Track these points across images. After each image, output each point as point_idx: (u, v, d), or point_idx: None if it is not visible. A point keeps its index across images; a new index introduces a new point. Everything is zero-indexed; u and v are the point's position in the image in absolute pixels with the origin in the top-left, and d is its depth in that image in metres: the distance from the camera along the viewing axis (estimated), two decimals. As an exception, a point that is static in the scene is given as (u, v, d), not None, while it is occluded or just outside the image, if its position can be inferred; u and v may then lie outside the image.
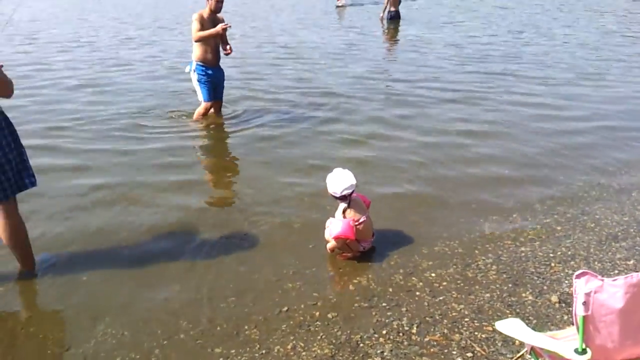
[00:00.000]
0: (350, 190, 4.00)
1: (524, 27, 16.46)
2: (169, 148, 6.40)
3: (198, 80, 7.03)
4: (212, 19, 6.81)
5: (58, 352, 3.16)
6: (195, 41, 6.81)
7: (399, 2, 17.64)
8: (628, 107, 8.19)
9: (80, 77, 10.07)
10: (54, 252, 4.15)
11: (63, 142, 6.57)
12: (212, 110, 7.36)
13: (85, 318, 3.44)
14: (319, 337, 3.25)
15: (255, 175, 5.73)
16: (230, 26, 6.80)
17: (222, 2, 6.80)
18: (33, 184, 3.69)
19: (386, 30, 16.35)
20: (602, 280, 2.42)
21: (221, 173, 6.06)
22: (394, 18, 17.48)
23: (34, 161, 3.88)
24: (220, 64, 7.17)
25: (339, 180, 4.00)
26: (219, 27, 6.68)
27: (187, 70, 7.20)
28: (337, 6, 21.84)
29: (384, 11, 17.70)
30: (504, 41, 13.88)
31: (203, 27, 6.69)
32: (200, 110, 7.29)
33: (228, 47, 7.08)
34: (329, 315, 3.45)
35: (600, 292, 2.42)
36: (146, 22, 17.99)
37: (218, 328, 3.34)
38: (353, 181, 4.00)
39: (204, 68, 6.96)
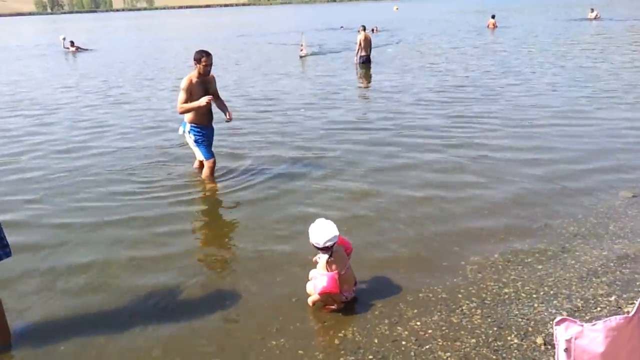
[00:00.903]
0: (333, 242, 3.98)
1: (500, 67, 16.87)
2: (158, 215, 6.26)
3: (195, 142, 6.87)
4: (202, 82, 6.66)
5: None
6: (180, 113, 6.74)
7: (370, 47, 18.01)
8: (596, 145, 8.35)
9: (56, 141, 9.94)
10: (30, 322, 4.05)
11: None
12: (198, 168, 7.21)
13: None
14: (305, 397, 3.19)
15: (236, 234, 5.71)
16: (211, 99, 6.57)
17: (211, 65, 6.63)
18: (8, 254, 3.64)
19: (359, 75, 16.62)
20: (582, 325, 2.43)
21: (201, 231, 5.98)
22: (366, 62, 17.86)
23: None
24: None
25: (322, 231, 3.97)
26: (203, 100, 6.49)
27: (180, 132, 7.04)
28: (301, 56, 21.34)
29: (357, 55, 18.04)
30: (477, 82, 14.18)
31: (191, 94, 6.55)
32: (207, 172, 7.03)
33: (228, 113, 6.98)
34: (315, 373, 3.40)
35: (580, 337, 2.43)
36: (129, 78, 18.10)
37: (202, 393, 3.26)
38: (336, 232, 3.98)
39: (199, 129, 6.82)
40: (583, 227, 5.39)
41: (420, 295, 4.25)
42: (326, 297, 3.97)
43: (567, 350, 2.42)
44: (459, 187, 6.55)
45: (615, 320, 2.45)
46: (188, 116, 6.79)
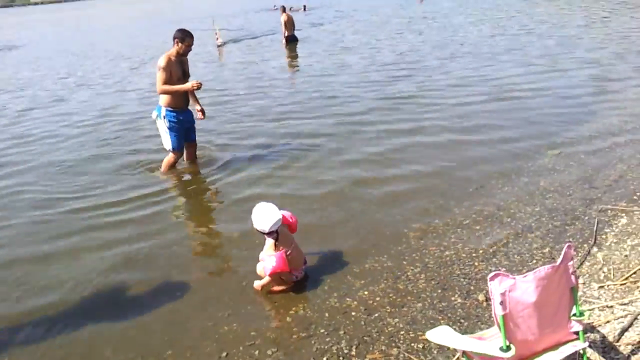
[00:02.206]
0: (278, 225, 4.00)
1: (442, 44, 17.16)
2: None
3: (169, 128, 6.46)
4: (179, 61, 6.36)
5: None
6: (160, 94, 6.38)
7: (293, 27, 18.27)
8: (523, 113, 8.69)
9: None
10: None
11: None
12: (185, 155, 6.90)
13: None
14: (260, 377, 3.24)
15: (180, 224, 5.64)
16: (201, 84, 6.34)
17: (192, 45, 6.37)
18: None
19: (286, 56, 16.50)
20: (514, 278, 2.57)
21: (145, 222, 5.86)
22: (292, 41, 18.12)
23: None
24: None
25: (266, 216, 3.96)
26: (191, 84, 6.25)
27: (154, 116, 6.60)
28: (218, 45, 19.62)
29: (284, 37, 18.25)
30: (407, 61, 14.40)
31: (171, 75, 6.23)
32: (169, 160, 6.70)
33: (199, 109, 6.74)
34: (269, 352, 3.45)
35: (514, 290, 2.56)
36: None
37: (157, 386, 3.26)
38: (279, 215, 4.00)
39: (175, 114, 6.43)
40: (516, 186, 5.64)
41: (367, 265, 4.35)
42: (277, 277, 4.00)
43: (502, 303, 2.55)
44: (396, 162, 6.66)
45: (544, 270, 2.60)
46: (164, 99, 6.41)
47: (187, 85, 6.30)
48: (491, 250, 4.44)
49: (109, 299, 4.25)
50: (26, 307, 4.19)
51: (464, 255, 4.40)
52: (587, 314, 3.33)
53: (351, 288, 4.08)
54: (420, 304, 3.81)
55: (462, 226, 4.87)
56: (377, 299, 3.92)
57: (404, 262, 4.37)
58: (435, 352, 3.31)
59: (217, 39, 20.05)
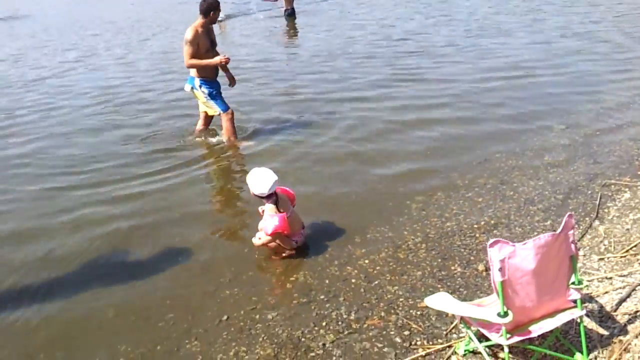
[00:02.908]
0: (275, 187, 4.03)
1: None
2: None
3: (209, 95, 6.34)
4: (206, 32, 6.16)
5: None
6: (189, 67, 6.24)
7: (292, 0, 18.00)
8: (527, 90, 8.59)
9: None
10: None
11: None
12: (201, 121, 6.78)
13: (18, 355, 3.32)
14: (260, 339, 3.29)
15: (189, 191, 5.55)
16: (229, 59, 6.23)
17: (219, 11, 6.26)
18: None
19: (285, 31, 16.26)
20: (514, 245, 2.58)
21: (148, 189, 5.86)
22: (291, 15, 17.91)
23: None
24: None
25: (263, 180, 4.00)
26: (219, 59, 6.11)
27: (187, 89, 6.47)
28: (219, 20, 19.97)
29: (285, 12, 18.04)
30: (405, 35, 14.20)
31: (199, 47, 6.05)
32: (228, 124, 6.52)
33: (228, 76, 6.55)
34: (269, 317, 3.49)
35: (513, 257, 2.58)
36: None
37: (158, 347, 3.31)
38: (275, 177, 4.03)
39: (209, 83, 6.34)
40: (520, 160, 5.61)
41: (368, 235, 4.37)
42: (277, 236, 4.04)
43: (501, 269, 2.56)
44: (400, 132, 6.64)
45: (544, 238, 2.61)
46: (195, 70, 6.27)
47: (215, 60, 6.15)
48: (492, 222, 4.45)
49: (111, 264, 4.30)
50: (29, 272, 4.24)
51: (465, 226, 4.41)
52: (586, 284, 3.35)
53: (352, 256, 4.10)
54: (420, 273, 3.84)
55: (464, 198, 4.87)
56: (377, 267, 3.95)
57: (405, 233, 4.39)
58: (433, 319, 3.34)
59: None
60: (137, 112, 8.31)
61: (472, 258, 3.97)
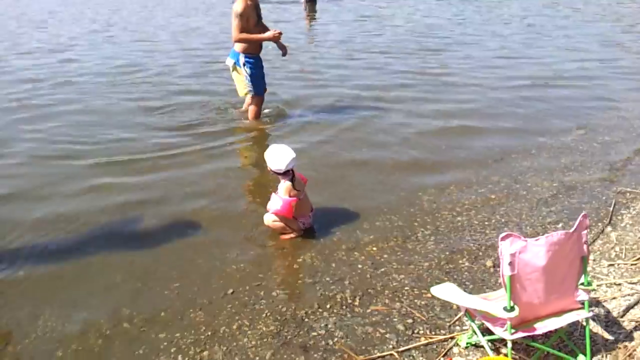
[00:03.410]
0: (293, 164, 4.03)
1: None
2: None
3: (250, 75, 6.18)
4: (254, 6, 6.02)
5: (-5, 350, 3.08)
6: (236, 42, 6.08)
7: None
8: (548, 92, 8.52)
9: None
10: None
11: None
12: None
13: (24, 314, 3.36)
14: (264, 315, 3.30)
15: (204, 167, 5.53)
16: (282, 33, 6.11)
17: None
18: None
19: (304, 17, 16.16)
20: (526, 240, 2.56)
21: (163, 163, 5.84)
22: (311, 1, 18.00)
23: None
24: None
25: (282, 156, 4.00)
26: (272, 33, 6.01)
27: (229, 63, 6.32)
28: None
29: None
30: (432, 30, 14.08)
31: (248, 21, 5.90)
32: (255, 107, 6.47)
33: (281, 47, 6.36)
34: (274, 293, 3.50)
35: (524, 252, 2.56)
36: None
37: (162, 314, 3.33)
38: (293, 154, 4.03)
39: (254, 60, 6.16)
40: (536, 161, 5.57)
41: (377, 223, 4.36)
42: (282, 218, 4.05)
43: (511, 263, 2.55)
44: (418, 125, 6.63)
45: (557, 235, 2.59)
46: (241, 45, 6.11)
47: (267, 35, 6.04)
48: (503, 220, 4.42)
49: (120, 231, 4.33)
50: (39, 231, 4.28)
51: (476, 222, 4.39)
52: (594, 288, 3.33)
53: (360, 242, 4.10)
54: (427, 264, 3.82)
55: (477, 194, 4.84)
56: (385, 255, 3.94)
57: (415, 224, 4.37)
58: (437, 309, 3.34)
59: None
60: (161, 85, 8.35)
61: (480, 253, 3.95)
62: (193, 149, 5.89)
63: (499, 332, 2.69)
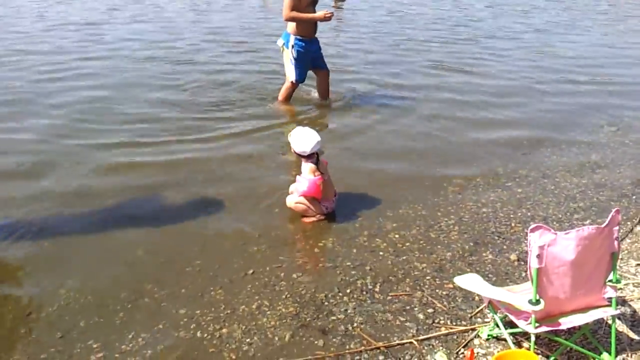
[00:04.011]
0: (318, 147, 4.01)
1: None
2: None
3: (295, 59, 6.03)
4: None
5: (19, 318, 3.12)
6: (287, 20, 5.91)
7: None
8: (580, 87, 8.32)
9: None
10: (15, 218, 4.07)
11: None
12: (318, 86, 6.61)
13: (48, 283, 3.40)
14: (283, 297, 3.29)
15: (229, 149, 5.50)
16: (332, 14, 5.93)
17: None
18: None
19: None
20: (556, 233, 2.50)
21: (185, 144, 5.84)
22: None
23: None
24: None
25: (308, 138, 3.99)
26: (323, 13, 5.82)
27: (279, 43, 6.20)
28: None
29: None
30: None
31: (300, 0, 5.77)
32: (288, 90, 6.37)
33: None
34: (294, 276, 3.49)
35: (553, 245, 2.50)
36: None
37: (183, 290, 3.34)
38: (318, 137, 4.02)
39: (304, 44, 5.99)
40: (565, 156, 5.46)
41: (401, 211, 4.32)
42: (308, 199, 4.04)
43: (539, 256, 2.50)
44: (447, 116, 6.51)
45: (587, 229, 2.53)
46: (292, 27, 5.95)
47: (318, 15, 5.88)
48: (530, 214, 4.34)
49: (144, 208, 4.34)
50: (64, 204, 4.34)
51: (501, 214, 4.32)
52: (621, 286, 3.25)
53: (382, 229, 4.07)
54: (449, 254, 3.78)
55: (503, 187, 4.76)
56: (407, 243, 3.90)
57: (439, 213, 4.32)
58: (459, 300, 3.30)
59: None
60: (190, 64, 8.37)
61: (505, 247, 3.89)
62: (218, 130, 5.87)
63: (523, 325, 2.64)
